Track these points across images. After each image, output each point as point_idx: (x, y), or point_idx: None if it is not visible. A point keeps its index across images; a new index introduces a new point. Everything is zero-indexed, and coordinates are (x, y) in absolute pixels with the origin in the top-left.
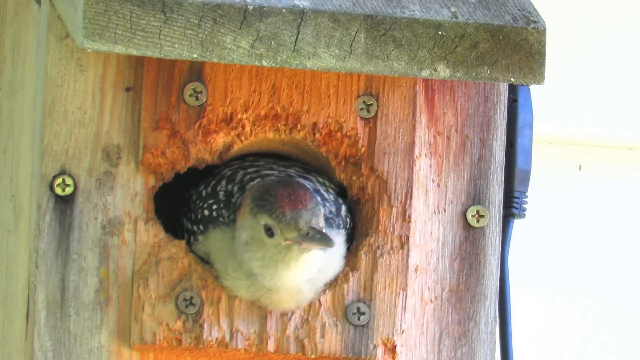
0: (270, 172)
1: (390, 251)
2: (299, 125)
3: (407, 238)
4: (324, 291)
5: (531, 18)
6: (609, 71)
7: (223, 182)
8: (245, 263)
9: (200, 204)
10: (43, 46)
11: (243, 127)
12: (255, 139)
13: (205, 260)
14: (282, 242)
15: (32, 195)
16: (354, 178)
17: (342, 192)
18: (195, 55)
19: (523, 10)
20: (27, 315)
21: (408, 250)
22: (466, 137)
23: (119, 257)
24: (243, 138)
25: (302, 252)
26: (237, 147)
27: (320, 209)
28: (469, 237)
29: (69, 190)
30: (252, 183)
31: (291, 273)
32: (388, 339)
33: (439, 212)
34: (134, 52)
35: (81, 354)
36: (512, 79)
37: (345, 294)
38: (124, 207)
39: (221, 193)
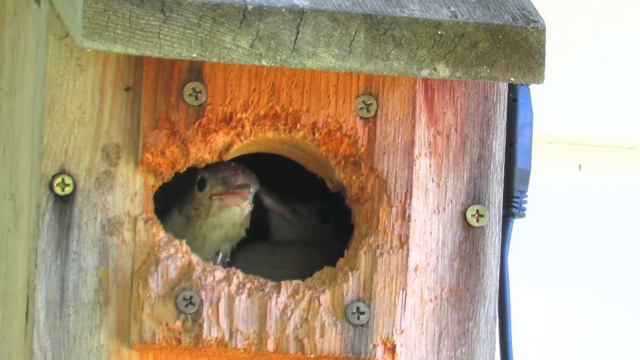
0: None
1: (390, 251)
2: (299, 125)
3: (407, 237)
4: (323, 290)
5: (531, 17)
6: (609, 71)
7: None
8: (169, 226)
9: None
10: (42, 46)
11: (243, 127)
12: (255, 139)
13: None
14: (206, 196)
15: (32, 194)
16: (354, 177)
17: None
18: (194, 55)
19: (523, 10)
20: (27, 315)
21: (408, 249)
22: (466, 137)
23: (119, 256)
24: (243, 137)
25: (221, 209)
26: (237, 147)
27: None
28: (469, 236)
29: (68, 190)
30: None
31: (213, 240)
32: (388, 339)
33: (438, 211)
34: (134, 52)
35: (80, 354)
36: (512, 79)
37: (344, 293)
38: (124, 207)
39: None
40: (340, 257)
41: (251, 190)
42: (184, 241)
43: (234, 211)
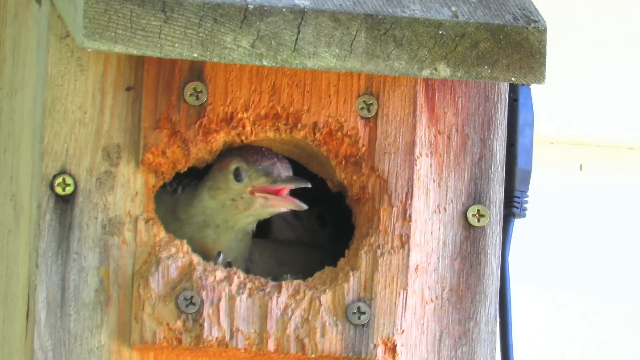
0: None
1: (391, 251)
2: (300, 125)
3: (408, 237)
4: (324, 290)
5: (532, 17)
6: (610, 71)
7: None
8: (200, 210)
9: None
10: (43, 46)
11: (243, 127)
12: (256, 139)
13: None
14: (247, 189)
15: (33, 194)
16: (355, 178)
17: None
18: (195, 55)
19: (524, 10)
20: (27, 315)
21: (408, 249)
22: (467, 137)
23: (119, 256)
24: (243, 137)
25: (265, 208)
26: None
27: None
28: (470, 236)
29: (69, 190)
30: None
31: (245, 223)
32: (388, 339)
33: (439, 211)
34: (134, 52)
35: (81, 354)
36: (513, 79)
37: (345, 293)
38: (124, 207)
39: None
40: (340, 259)
41: (298, 184)
42: (184, 241)
43: (271, 209)
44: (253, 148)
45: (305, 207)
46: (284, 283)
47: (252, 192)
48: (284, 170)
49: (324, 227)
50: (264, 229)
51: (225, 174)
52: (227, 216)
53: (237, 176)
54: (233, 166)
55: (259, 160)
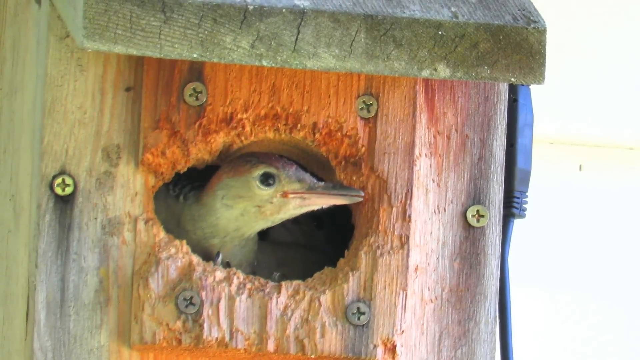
0: None
1: (390, 251)
2: (299, 125)
3: (407, 238)
4: (324, 291)
5: (531, 18)
6: (609, 71)
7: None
8: (211, 223)
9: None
10: (43, 46)
11: (243, 127)
12: (255, 139)
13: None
14: (277, 194)
15: (32, 195)
16: (354, 178)
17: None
18: (195, 55)
19: (523, 10)
20: (27, 315)
21: (408, 250)
22: (466, 137)
23: (119, 257)
24: (243, 138)
25: (300, 207)
26: (237, 147)
27: None
28: (469, 237)
29: (68, 190)
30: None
31: (256, 230)
32: (388, 339)
33: (439, 212)
34: (134, 52)
35: (81, 354)
36: (513, 79)
37: (345, 293)
38: (124, 207)
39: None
40: (339, 260)
41: (341, 192)
42: (184, 241)
43: (307, 208)
44: (262, 154)
45: (347, 201)
46: (283, 283)
47: (284, 195)
48: (309, 176)
49: (320, 229)
50: (261, 232)
51: (246, 181)
52: (242, 224)
53: (265, 181)
54: (257, 172)
55: (285, 165)
